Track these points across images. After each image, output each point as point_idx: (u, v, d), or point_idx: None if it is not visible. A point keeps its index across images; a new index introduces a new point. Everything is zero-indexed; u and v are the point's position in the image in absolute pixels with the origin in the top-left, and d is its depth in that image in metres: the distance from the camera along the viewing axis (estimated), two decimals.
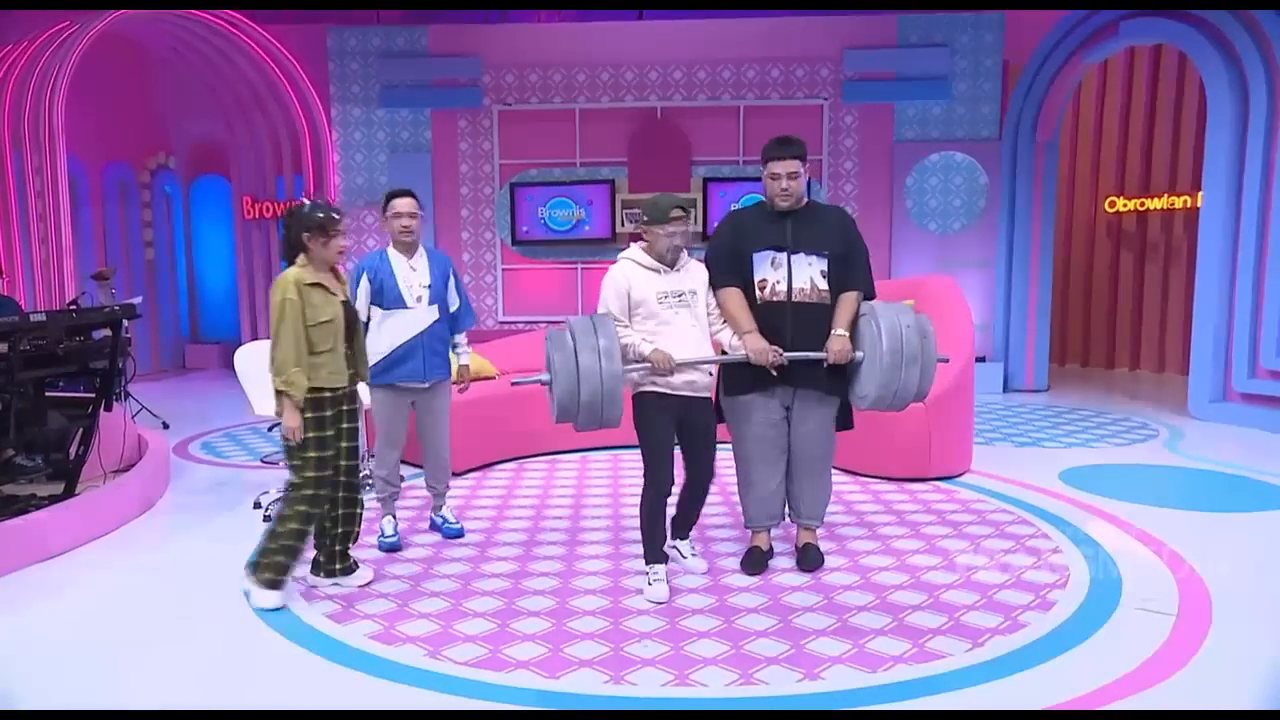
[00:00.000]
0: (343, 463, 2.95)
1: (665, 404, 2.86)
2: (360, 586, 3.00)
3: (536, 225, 7.75)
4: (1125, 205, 8.30)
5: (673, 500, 3.04)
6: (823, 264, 2.97)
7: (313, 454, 2.79)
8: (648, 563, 2.95)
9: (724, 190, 7.57)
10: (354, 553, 3.09)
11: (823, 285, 2.96)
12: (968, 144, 7.44)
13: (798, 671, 2.38)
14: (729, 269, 2.99)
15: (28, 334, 3.45)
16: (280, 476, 2.99)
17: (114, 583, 3.12)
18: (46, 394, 3.83)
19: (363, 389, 3.21)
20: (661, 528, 2.95)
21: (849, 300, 2.96)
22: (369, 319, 3.30)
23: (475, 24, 7.79)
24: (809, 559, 3.13)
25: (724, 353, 2.97)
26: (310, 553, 3.00)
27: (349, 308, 2.94)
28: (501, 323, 7.90)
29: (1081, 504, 3.95)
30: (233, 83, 7.96)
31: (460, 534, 3.56)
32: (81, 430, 3.85)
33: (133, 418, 4.89)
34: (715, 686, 2.31)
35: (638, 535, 3.04)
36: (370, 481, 4.31)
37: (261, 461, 4.97)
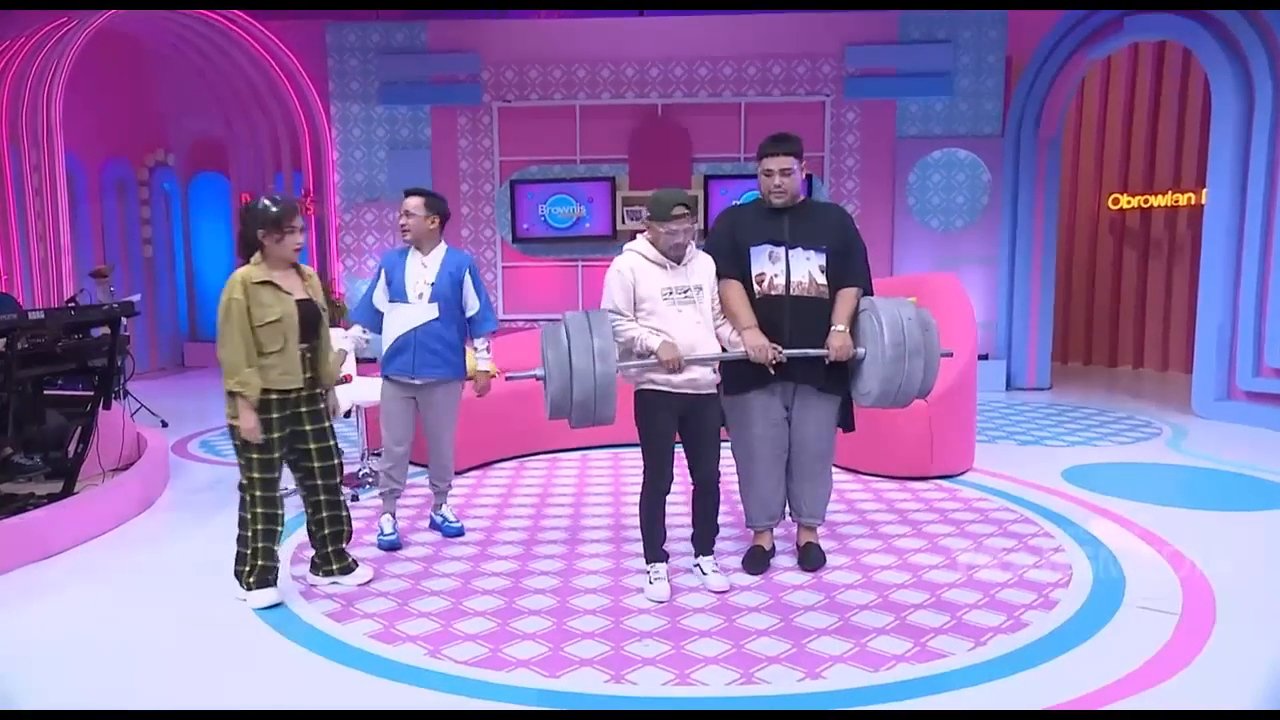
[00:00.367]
0: (316, 464, 2.89)
1: (667, 402, 2.84)
2: (359, 585, 2.98)
3: (537, 222, 7.73)
4: (1129, 202, 8.27)
5: (686, 512, 3.01)
6: (821, 259, 2.95)
7: (255, 455, 2.75)
8: (648, 561, 2.94)
9: (725, 188, 7.55)
10: (354, 551, 3.08)
11: (821, 280, 2.94)
12: (970, 140, 7.41)
13: (799, 671, 2.37)
14: (728, 262, 2.97)
15: (26, 332, 3.44)
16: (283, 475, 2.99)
17: (113, 582, 3.11)
18: (45, 392, 3.82)
19: (344, 392, 3.18)
20: (661, 526, 2.94)
21: (848, 296, 2.94)
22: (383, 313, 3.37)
23: (475, 20, 7.76)
24: (811, 558, 3.12)
25: (724, 349, 2.96)
26: (308, 551, 2.99)
27: (308, 306, 2.83)
28: (502, 320, 7.88)
29: (1084, 503, 3.93)
30: (231, 79, 7.94)
31: (460, 533, 3.55)
32: (80, 429, 3.84)
33: (131, 416, 4.88)
34: (716, 686, 2.30)
35: (638, 534, 3.02)
36: (370, 479, 4.31)
37: None
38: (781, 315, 2.91)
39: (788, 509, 3.19)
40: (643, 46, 7.63)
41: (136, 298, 4.60)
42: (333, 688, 2.32)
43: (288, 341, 2.75)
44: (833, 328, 2.89)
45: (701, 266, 2.92)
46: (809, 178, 7.24)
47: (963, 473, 4.45)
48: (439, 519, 3.61)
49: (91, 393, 3.87)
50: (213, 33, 7.46)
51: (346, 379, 4.27)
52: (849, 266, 2.98)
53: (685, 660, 2.44)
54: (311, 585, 2.99)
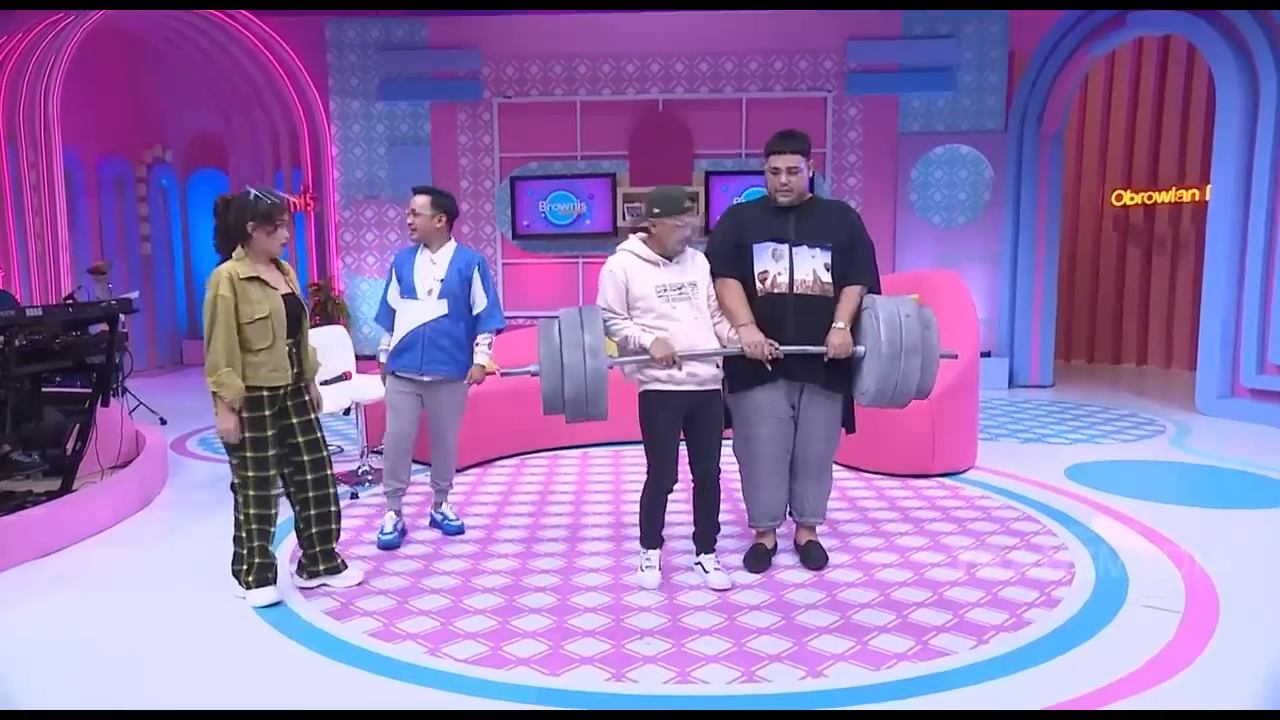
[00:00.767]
0: (305, 458, 2.85)
1: (670, 401, 2.83)
2: (349, 587, 2.92)
3: (537, 219, 7.71)
4: (1132, 198, 8.24)
5: (688, 510, 3.01)
6: (826, 257, 2.93)
7: (249, 454, 2.70)
8: (643, 547, 2.97)
9: (726, 184, 7.52)
10: (354, 550, 3.06)
11: (825, 278, 2.92)
12: (973, 136, 7.38)
13: (800, 669, 2.35)
14: (728, 261, 2.96)
15: (24, 329, 3.42)
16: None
17: (112, 580, 3.09)
18: (43, 389, 3.81)
19: (343, 389, 3.17)
20: (660, 518, 2.96)
21: (851, 294, 2.92)
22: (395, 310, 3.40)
23: (475, 15, 7.73)
24: (813, 557, 3.10)
25: (723, 346, 2.94)
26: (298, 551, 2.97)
27: (293, 300, 2.80)
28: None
29: (1087, 500, 3.91)
30: (230, 75, 7.92)
31: (461, 531, 3.54)
32: (78, 426, 3.82)
33: (130, 413, 4.87)
34: (717, 684, 2.29)
35: (639, 531, 3.01)
36: (370, 477, 4.30)
37: None
38: (785, 313, 2.89)
39: (788, 508, 3.17)
40: (644, 42, 7.60)
41: (135, 295, 4.59)
42: (332, 686, 2.31)
43: (276, 338, 2.70)
44: (834, 325, 2.87)
45: (696, 263, 2.92)
46: (811, 176, 7.20)
47: (965, 470, 4.43)
48: (439, 517, 3.60)
49: (90, 390, 3.85)
50: (211, 28, 7.43)
51: (346, 376, 4.26)
52: (855, 264, 2.95)
53: (686, 658, 2.42)
54: (301, 587, 2.94)
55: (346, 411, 4.19)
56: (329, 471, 2.92)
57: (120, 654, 2.52)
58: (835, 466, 3.27)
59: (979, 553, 3.25)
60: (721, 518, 3.05)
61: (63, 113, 6.62)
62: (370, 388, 4.06)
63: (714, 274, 2.95)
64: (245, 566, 2.81)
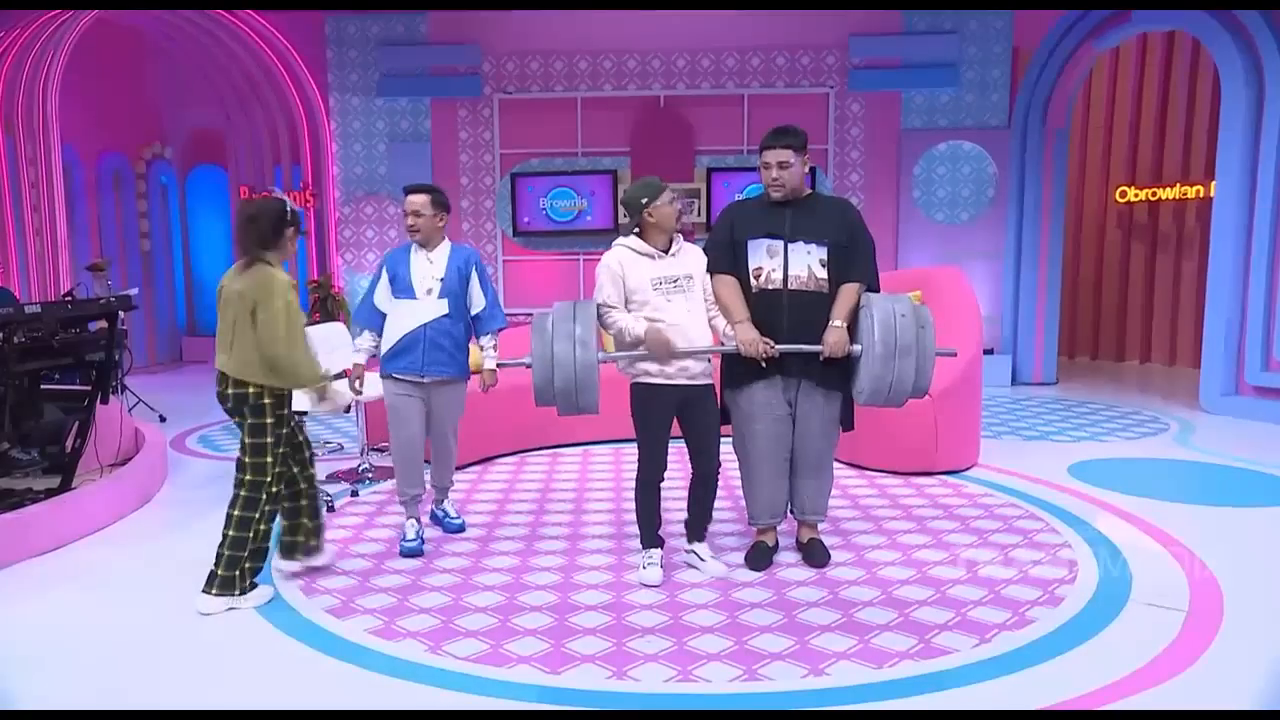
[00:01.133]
0: (306, 453, 2.95)
1: (661, 395, 2.84)
2: (293, 575, 2.96)
3: (538, 216, 7.68)
4: (1137, 195, 8.20)
5: (682, 500, 3.00)
6: (822, 253, 2.91)
7: (280, 450, 2.78)
8: (644, 546, 2.97)
9: (728, 180, 7.49)
10: (355, 547, 3.05)
11: (821, 274, 2.91)
12: (976, 133, 7.35)
13: (802, 667, 2.34)
14: (725, 257, 2.95)
15: (23, 326, 3.41)
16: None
17: (111, 578, 3.08)
18: (42, 387, 3.79)
19: (342, 388, 3.23)
20: (656, 513, 2.96)
21: (849, 291, 2.89)
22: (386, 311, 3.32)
23: (475, 10, 7.69)
24: (815, 555, 3.09)
25: (722, 343, 2.93)
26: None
27: None
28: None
29: (1091, 498, 3.90)
30: (229, 71, 7.89)
31: (461, 528, 3.53)
32: (78, 423, 3.81)
33: (129, 411, 4.86)
34: (719, 682, 2.28)
35: (639, 534, 3.01)
36: (370, 475, 4.29)
37: None
38: (779, 310, 2.88)
39: (789, 506, 3.16)
40: (645, 37, 7.57)
41: (134, 291, 4.56)
42: (333, 684, 2.30)
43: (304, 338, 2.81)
44: (830, 323, 2.85)
45: (691, 256, 2.94)
46: (812, 171, 7.18)
47: (968, 468, 4.42)
48: (440, 514, 3.58)
49: (89, 387, 3.84)
50: (211, 24, 7.40)
51: (347, 373, 4.24)
52: (853, 261, 2.93)
53: (687, 656, 2.41)
54: (292, 575, 2.97)
55: (346, 410, 4.17)
56: (310, 453, 3.05)
57: (120, 652, 2.51)
58: (837, 464, 3.26)
59: (981, 551, 3.23)
60: (723, 515, 3.05)
61: (62, 109, 6.60)
62: (370, 387, 4.03)
63: (711, 270, 2.95)
64: (241, 570, 2.78)
